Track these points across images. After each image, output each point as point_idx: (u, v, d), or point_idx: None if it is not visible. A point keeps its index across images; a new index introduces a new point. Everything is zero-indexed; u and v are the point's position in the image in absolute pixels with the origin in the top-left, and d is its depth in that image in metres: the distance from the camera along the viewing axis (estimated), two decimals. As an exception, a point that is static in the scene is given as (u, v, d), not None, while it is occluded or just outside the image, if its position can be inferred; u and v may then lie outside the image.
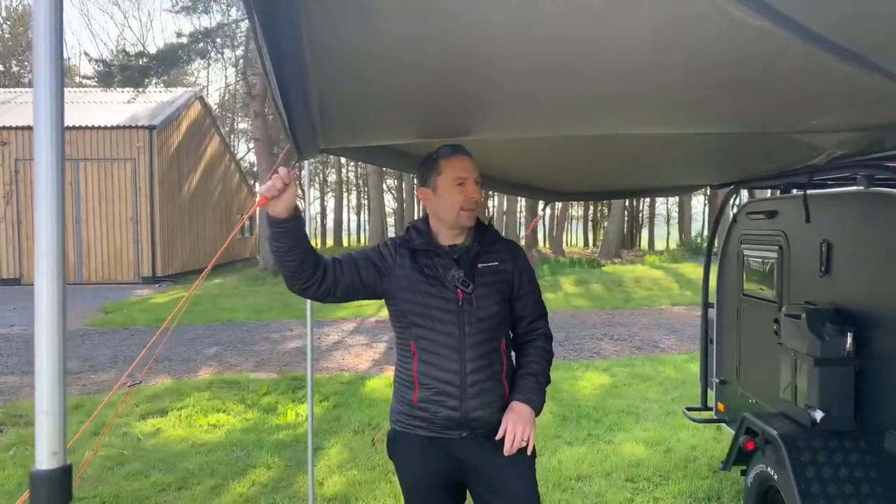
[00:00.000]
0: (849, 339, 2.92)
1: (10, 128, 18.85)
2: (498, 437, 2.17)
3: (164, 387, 7.31)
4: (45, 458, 1.07)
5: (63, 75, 1.08)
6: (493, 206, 29.85)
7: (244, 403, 6.68)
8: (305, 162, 4.17)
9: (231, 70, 36.14)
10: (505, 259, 2.33)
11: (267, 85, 1.85)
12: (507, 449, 2.14)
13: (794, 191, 3.69)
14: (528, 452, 2.22)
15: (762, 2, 1.10)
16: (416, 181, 2.42)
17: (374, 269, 2.28)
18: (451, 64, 1.52)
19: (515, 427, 2.15)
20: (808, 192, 3.33)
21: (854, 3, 1.15)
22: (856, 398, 2.93)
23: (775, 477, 3.03)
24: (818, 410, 2.95)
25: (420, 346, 2.24)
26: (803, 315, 3.03)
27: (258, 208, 2.10)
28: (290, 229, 2.08)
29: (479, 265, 2.27)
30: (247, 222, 27.83)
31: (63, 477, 1.06)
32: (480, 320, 2.23)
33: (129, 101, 20.98)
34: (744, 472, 3.52)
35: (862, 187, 2.99)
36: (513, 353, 2.39)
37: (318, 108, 1.80)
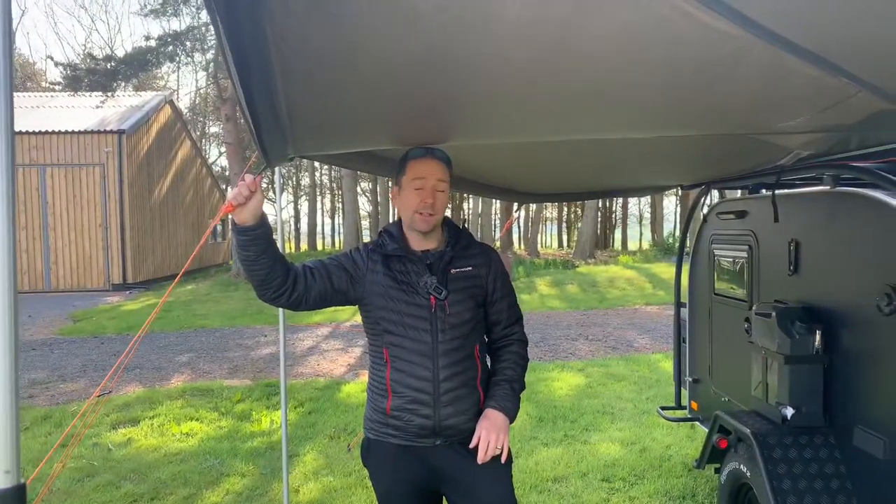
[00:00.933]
0: (817, 337, 2.97)
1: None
2: (471, 445, 2.16)
3: (136, 395, 7.19)
4: (-3, 477, 1.04)
5: (13, 78, 1.04)
6: (469, 209, 29.89)
7: (218, 411, 6.60)
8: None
9: (202, 73, 35.76)
10: (479, 264, 2.31)
11: (234, 91, 1.82)
12: (481, 458, 2.13)
13: (763, 191, 3.74)
14: (503, 460, 2.20)
15: (725, 4, 1.11)
16: (390, 184, 2.40)
17: (345, 276, 2.25)
18: (421, 69, 1.51)
19: (489, 435, 2.14)
20: (777, 192, 3.38)
21: (816, 6, 1.17)
22: (825, 395, 2.98)
23: (748, 474, 3.06)
24: (789, 407, 2.99)
25: (393, 353, 2.22)
26: (773, 314, 3.08)
27: (227, 214, 2.07)
28: (257, 237, 2.05)
29: (452, 270, 2.25)
30: (220, 227, 27.52)
31: (17, 495, 1.02)
32: (453, 327, 2.21)
33: (97, 106, 20.63)
34: (717, 470, 3.55)
35: (828, 187, 3.04)
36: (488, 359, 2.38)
37: (287, 116, 1.77)
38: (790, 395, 2.99)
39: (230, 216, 2.06)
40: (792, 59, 1.35)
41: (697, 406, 4.51)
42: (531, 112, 1.94)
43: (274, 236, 2.17)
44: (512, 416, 2.24)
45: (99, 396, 6.00)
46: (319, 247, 43.74)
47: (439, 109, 1.92)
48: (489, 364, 2.37)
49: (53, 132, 18.66)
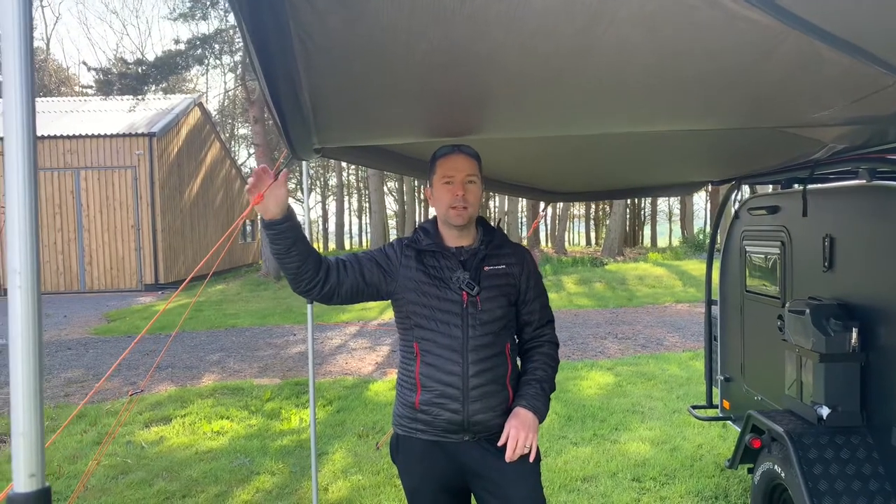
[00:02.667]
0: (853, 334, 2.90)
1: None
2: (500, 443, 2.16)
3: (168, 394, 7.30)
4: (22, 481, 1.05)
5: (34, 81, 1.06)
6: (495, 207, 29.81)
7: (248, 410, 6.67)
8: (304, 164, 4.15)
9: (230, 76, 36.24)
10: (512, 263, 2.32)
11: (256, 82, 1.83)
12: (509, 455, 2.13)
13: (796, 185, 3.67)
14: (531, 459, 2.19)
15: (757, -7, 1.08)
16: (415, 183, 2.41)
17: (378, 270, 2.28)
18: (444, 60, 1.50)
19: (518, 433, 2.14)
20: (810, 186, 3.31)
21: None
22: (862, 393, 2.91)
23: (782, 475, 3.00)
24: (824, 407, 2.92)
25: (423, 347, 2.23)
26: (807, 311, 3.01)
27: (256, 212, 2.11)
28: (284, 230, 2.09)
29: (486, 268, 2.27)
30: (249, 227, 27.83)
31: (41, 499, 1.04)
32: (484, 323, 2.21)
33: (129, 110, 21.00)
34: (750, 470, 3.49)
35: (864, 181, 2.97)
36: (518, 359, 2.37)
37: (310, 106, 1.78)
38: (826, 395, 2.92)
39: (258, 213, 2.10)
40: (825, 47, 1.32)
41: (729, 405, 4.44)
42: (557, 104, 1.92)
43: None
44: (541, 415, 2.23)
45: (133, 394, 6.10)
46: (347, 246, 44.04)
47: (464, 102, 1.91)
48: (519, 364, 2.36)
49: (87, 136, 19.05)
